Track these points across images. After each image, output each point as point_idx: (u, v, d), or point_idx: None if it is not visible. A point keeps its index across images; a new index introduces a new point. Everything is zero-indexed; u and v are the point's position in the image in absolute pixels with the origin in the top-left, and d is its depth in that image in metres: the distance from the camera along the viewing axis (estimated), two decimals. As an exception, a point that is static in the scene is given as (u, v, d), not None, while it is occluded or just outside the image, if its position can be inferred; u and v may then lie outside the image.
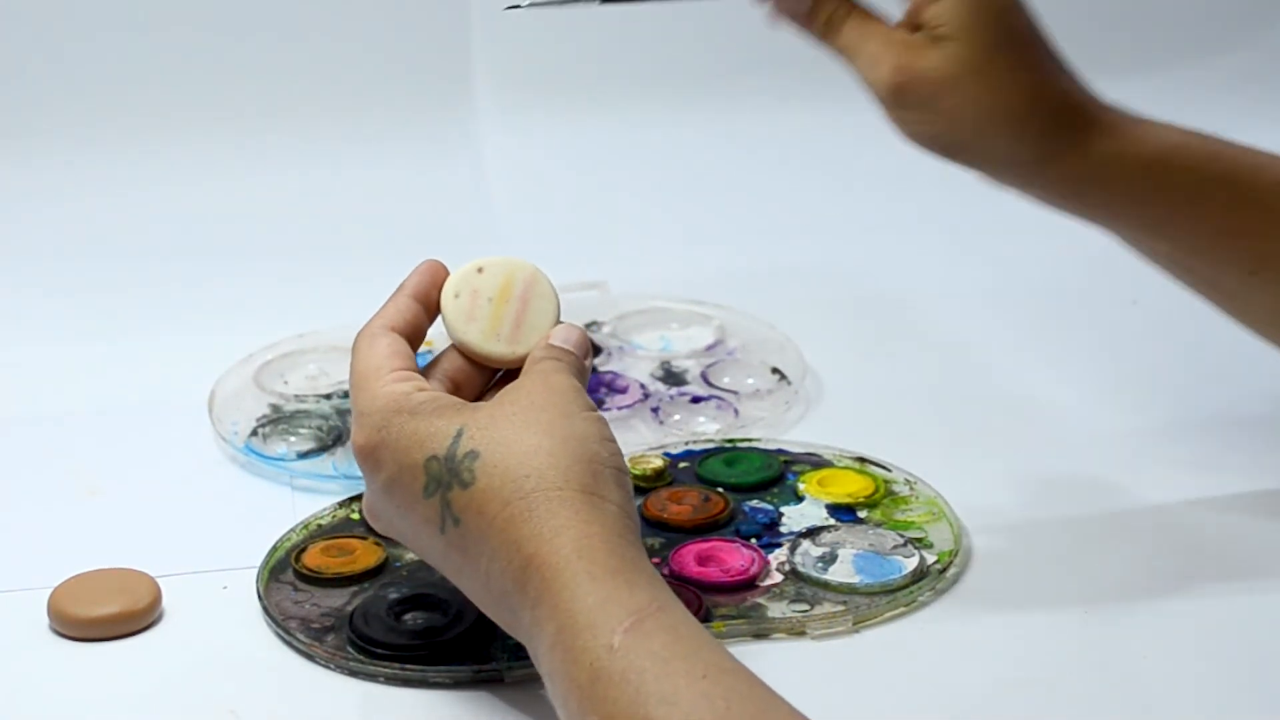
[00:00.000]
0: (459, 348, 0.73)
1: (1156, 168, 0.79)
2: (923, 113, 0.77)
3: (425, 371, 0.72)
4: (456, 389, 0.72)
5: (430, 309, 0.74)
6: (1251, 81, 1.44)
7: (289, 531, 0.82)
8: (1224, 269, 0.82)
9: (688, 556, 0.80)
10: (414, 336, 0.73)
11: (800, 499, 0.85)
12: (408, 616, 0.75)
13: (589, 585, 0.62)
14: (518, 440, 0.66)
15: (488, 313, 0.73)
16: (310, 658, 0.74)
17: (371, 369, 0.71)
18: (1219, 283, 0.83)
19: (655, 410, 0.96)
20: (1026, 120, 0.78)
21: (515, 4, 0.75)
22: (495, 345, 0.73)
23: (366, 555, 0.80)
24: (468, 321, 0.73)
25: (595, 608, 0.62)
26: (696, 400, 0.97)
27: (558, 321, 0.74)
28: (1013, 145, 0.78)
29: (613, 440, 0.68)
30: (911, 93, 0.77)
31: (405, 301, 0.73)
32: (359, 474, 0.87)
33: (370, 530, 0.82)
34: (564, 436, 0.67)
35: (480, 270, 0.74)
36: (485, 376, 0.74)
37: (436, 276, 0.74)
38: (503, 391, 0.70)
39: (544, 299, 0.74)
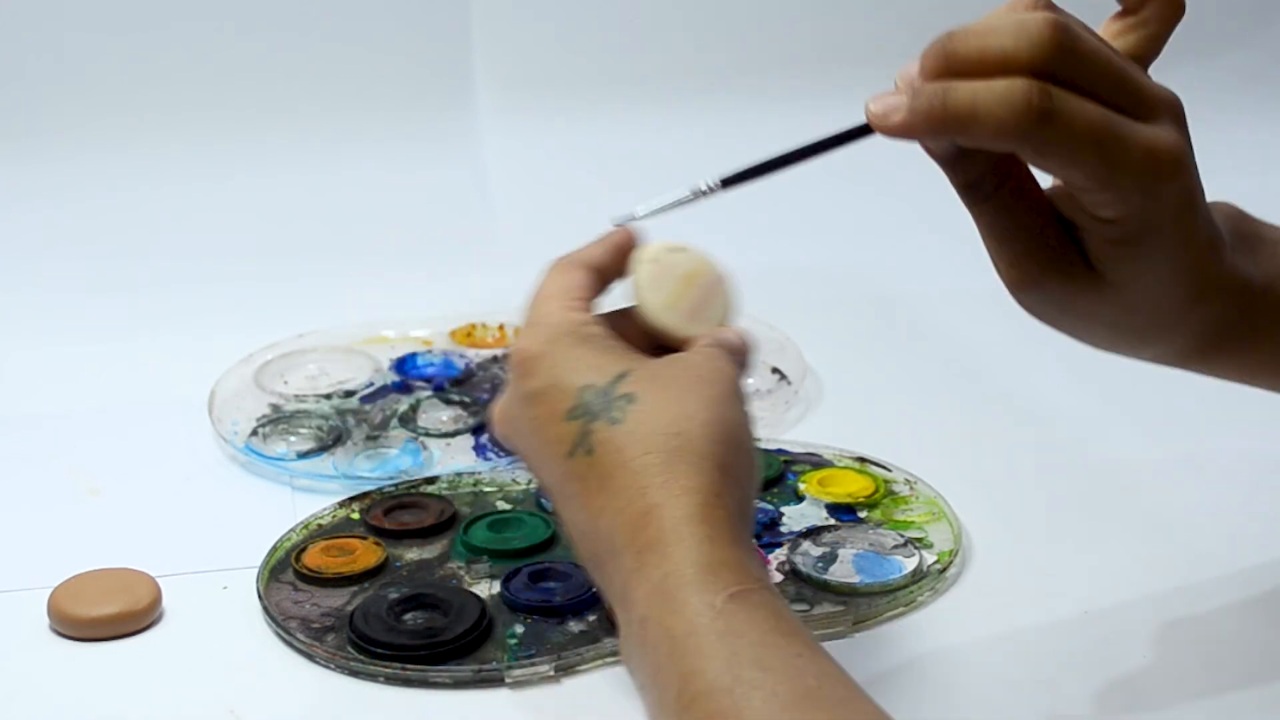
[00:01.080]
0: (639, 307, 0.73)
1: None
2: (1046, 317, 0.70)
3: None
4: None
5: (621, 270, 0.73)
6: (1251, 81, 1.44)
7: (289, 531, 0.82)
8: None
9: (688, 556, 0.79)
10: (600, 285, 0.73)
11: (800, 499, 0.86)
12: (408, 616, 0.75)
13: (706, 546, 0.62)
14: (676, 401, 0.66)
15: (673, 287, 0.73)
16: (310, 658, 0.74)
17: (560, 289, 0.71)
18: None
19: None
20: (1170, 333, 0.69)
21: (632, 215, 0.75)
22: (671, 316, 0.73)
23: (367, 555, 0.80)
24: (654, 288, 0.73)
25: (707, 568, 0.61)
26: (696, 400, 0.97)
27: (730, 319, 0.74)
28: (1152, 352, 0.71)
29: (756, 439, 0.68)
30: (1038, 304, 0.69)
31: (608, 250, 0.73)
32: (359, 474, 0.88)
33: (372, 530, 0.82)
34: (719, 415, 0.66)
35: (678, 250, 0.75)
36: (646, 347, 0.72)
37: (631, 243, 0.74)
38: (672, 356, 0.70)
39: (726, 297, 0.74)
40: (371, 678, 0.72)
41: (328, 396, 0.96)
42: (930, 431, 0.94)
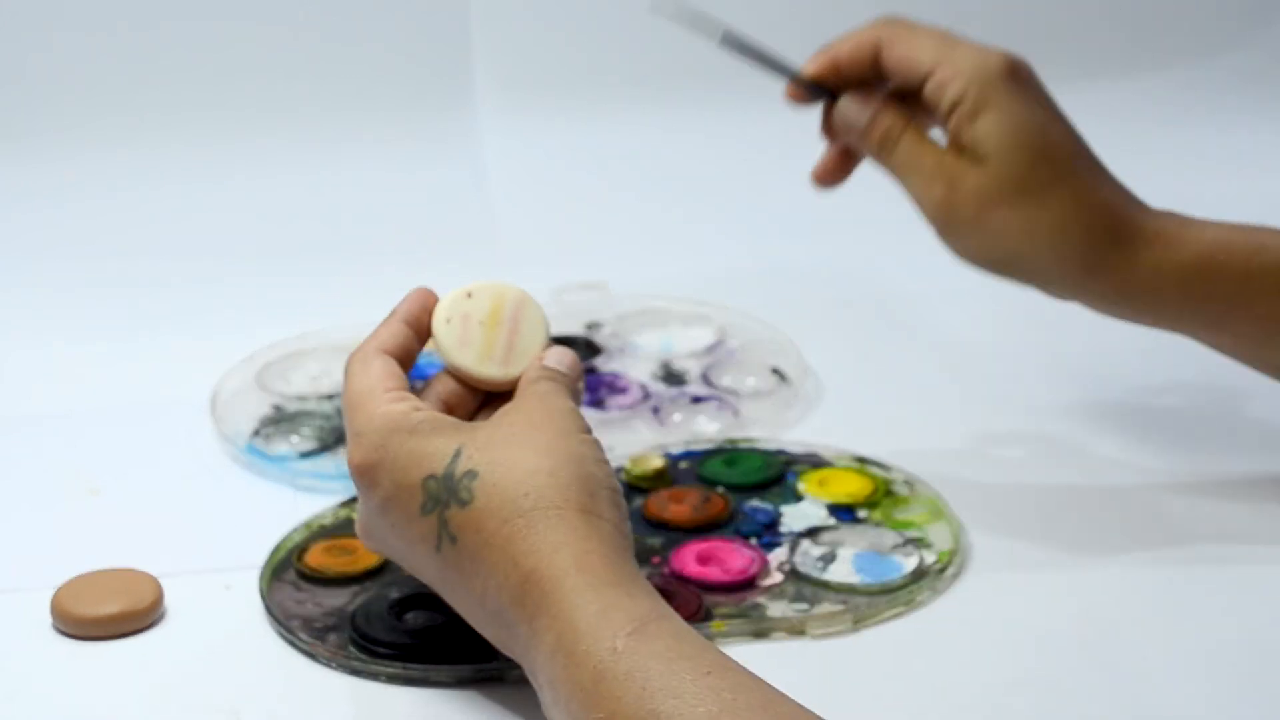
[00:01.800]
0: (452, 371, 0.74)
1: (1204, 270, 0.80)
2: (970, 232, 0.81)
3: (418, 394, 0.73)
4: (450, 411, 0.73)
5: (421, 334, 0.75)
6: (1251, 81, 1.44)
7: (291, 531, 0.82)
8: None
9: (688, 556, 0.80)
10: (405, 360, 0.74)
11: (800, 499, 0.86)
12: (409, 616, 0.75)
13: (590, 595, 0.63)
14: (516, 460, 0.67)
15: (480, 336, 0.74)
16: (312, 657, 0.74)
17: (366, 389, 0.71)
18: None
19: (655, 410, 0.96)
20: (1069, 236, 0.80)
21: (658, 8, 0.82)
22: (489, 368, 0.74)
23: (368, 555, 0.80)
24: (461, 346, 0.74)
25: (597, 615, 0.62)
26: (697, 400, 0.97)
27: (548, 341, 0.75)
28: (1059, 261, 0.80)
29: (607, 462, 0.69)
30: (958, 214, 0.80)
31: (397, 326, 0.74)
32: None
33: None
34: (562, 457, 0.67)
35: (470, 295, 0.75)
36: (477, 399, 0.75)
37: (427, 302, 0.75)
38: (500, 411, 0.71)
39: (534, 321, 0.75)
40: (373, 677, 0.73)
41: (330, 397, 0.97)
42: (930, 431, 0.94)
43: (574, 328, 1.05)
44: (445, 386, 0.74)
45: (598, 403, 0.97)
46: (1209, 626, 0.76)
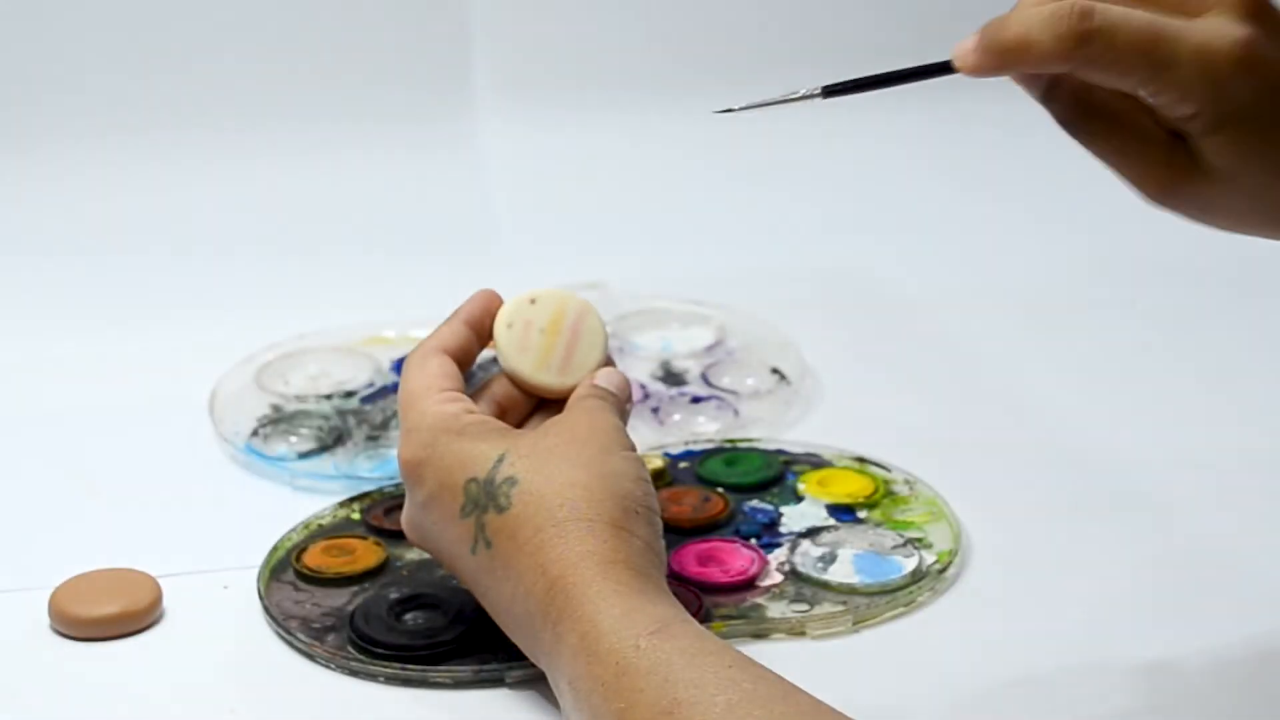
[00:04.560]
0: (509, 375, 0.75)
1: None
2: (1192, 217, 0.69)
3: (474, 396, 0.74)
4: (503, 414, 0.74)
5: (482, 336, 0.76)
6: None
7: (290, 531, 0.82)
8: None
9: (688, 556, 0.80)
10: (464, 361, 0.75)
11: (800, 499, 0.86)
12: (408, 616, 0.75)
13: (613, 599, 0.64)
14: (556, 471, 0.68)
15: (539, 344, 0.75)
16: (311, 657, 0.74)
17: (422, 388, 0.73)
18: None
19: (655, 410, 0.96)
20: None
21: (728, 108, 0.75)
22: (545, 375, 0.75)
23: (367, 555, 0.80)
24: (520, 351, 0.75)
25: (620, 617, 0.63)
26: (696, 400, 0.97)
27: (605, 354, 0.76)
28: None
29: (648, 481, 0.70)
30: (1180, 208, 0.68)
31: (459, 326, 0.75)
32: (359, 474, 0.88)
33: (372, 530, 0.83)
34: (601, 472, 0.68)
35: (533, 302, 0.76)
36: (531, 404, 0.76)
37: (490, 304, 0.76)
38: (548, 423, 0.72)
39: (594, 333, 0.76)
40: (372, 677, 0.73)
41: (328, 397, 0.96)
42: (930, 431, 0.94)
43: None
44: (501, 389, 0.75)
45: (597, 403, 0.96)
46: (1209, 627, 0.76)
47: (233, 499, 0.88)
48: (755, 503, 0.85)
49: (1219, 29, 0.64)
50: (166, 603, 0.77)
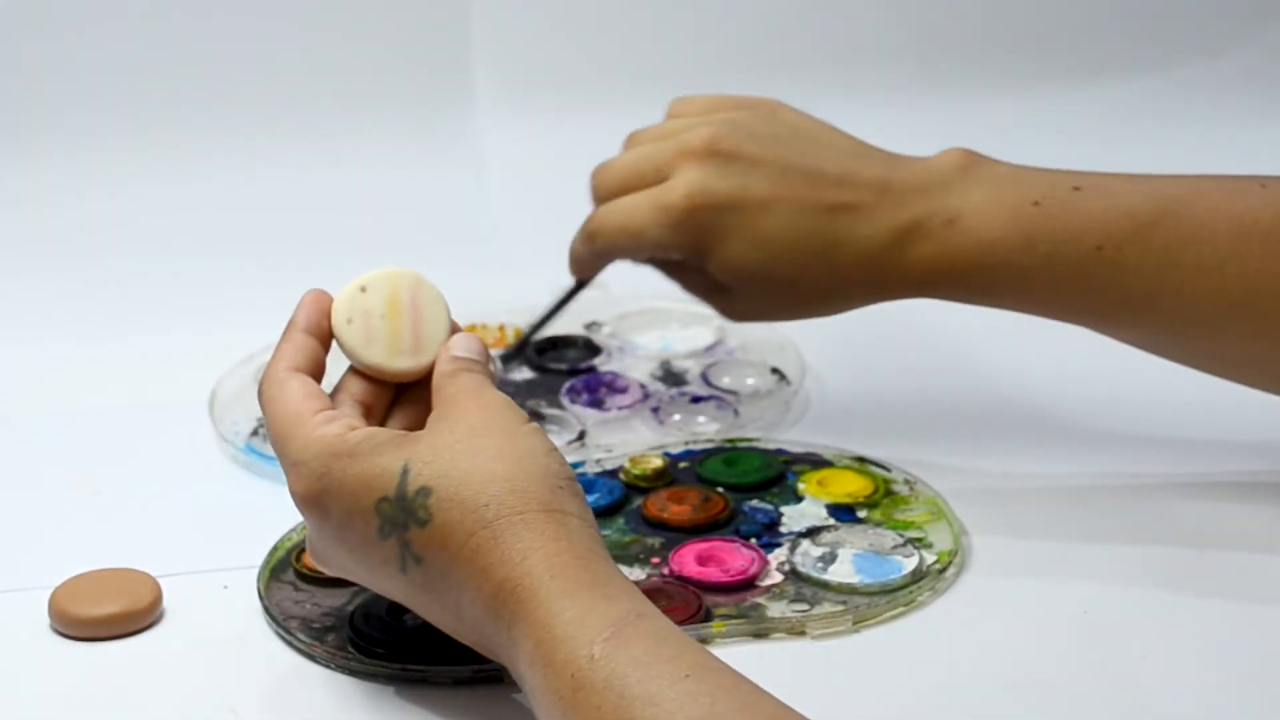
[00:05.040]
0: (363, 369, 0.72)
1: (977, 278, 0.83)
2: (735, 318, 0.90)
3: (330, 399, 0.71)
4: (368, 411, 0.72)
5: (324, 339, 0.73)
6: (1251, 81, 1.44)
7: (289, 531, 0.82)
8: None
9: (688, 556, 0.80)
10: (316, 372, 0.72)
11: (800, 499, 0.86)
12: (407, 616, 0.75)
13: (565, 601, 0.62)
14: (469, 469, 0.65)
15: (384, 330, 0.72)
16: (311, 657, 0.74)
17: (292, 415, 0.69)
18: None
19: (655, 410, 0.96)
20: (846, 293, 0.85)
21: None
22: (400, 360, 0.72)
23: (367, 555, 0.80)
24: (367, 344, 0.72)
25: (573, 621, 0.61)
26: (696, 400, 0.97)
27: (451, 320, 0.73)
28: (848, 304, 0.87)
29: (556, 450, 0.68)
30: (728, 313, 0.89)
31: (300, 338, 0.72)
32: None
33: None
34: (514, 457, 0.66)
35: (364, 289, 0.73)
36: (391, 392, 0.73)
37: (322, 305, 0.73)
38: (434, 417, 0.69)
39: (434, 303, 0.73)
40: (371, 677, 0.73)
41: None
42: (930, 432, 0.94)
43: (573, 328, 1.05)
44: (358, 386, 0.72)
45: (597, 402, 0.96)
46: (1209, 627, 0.76)
47: (233, 499, 0.88)
48: (755, 503, 0.85)
49: (670, 187, 0.84)
50: (166, 603, 0.77)
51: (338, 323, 0.72)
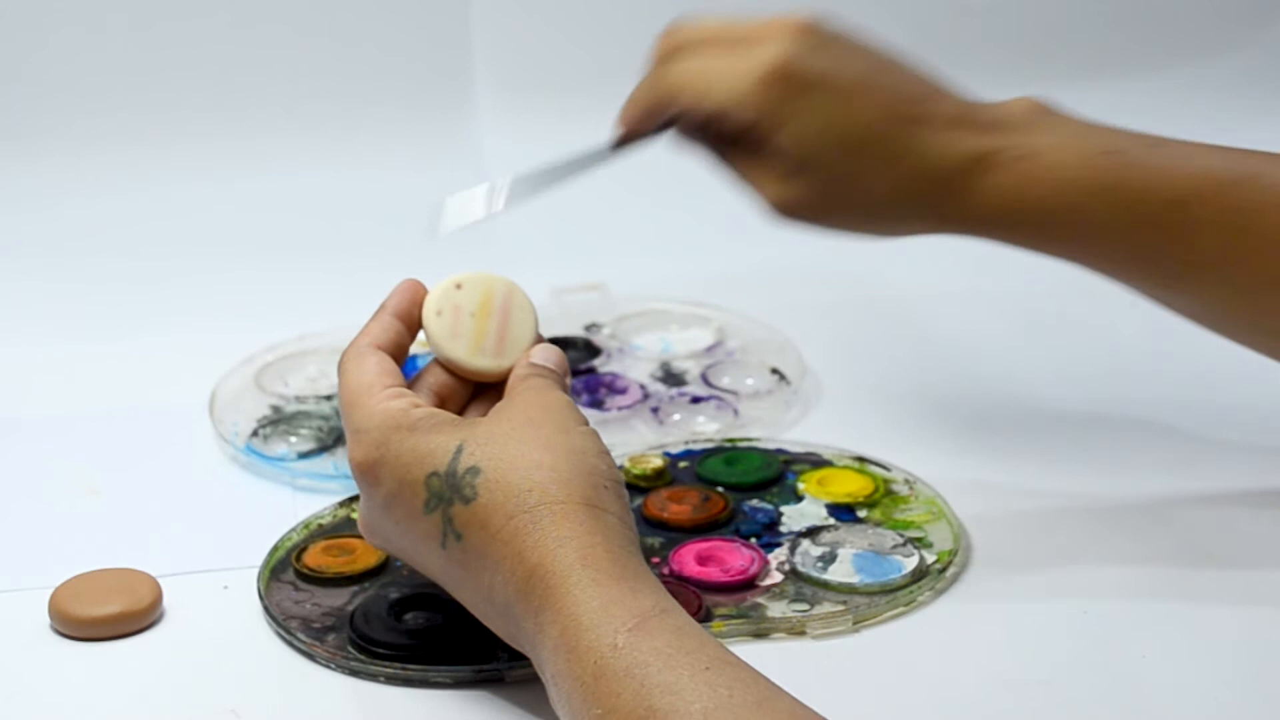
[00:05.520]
0: (444, 363, 0.74)
1: (1044, 219, 0.80)
2: (813, 226, 0.82)
3: (410, 387, 0.73)
4: (442, 403, 0.73)
5: (412, 326, 0.75)
6: (1251, 81, 1.44)
7: (290, 531, 0.82)
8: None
9: (688, 556, 0.80)
10: (398, 354, 0.74)
11: (800, 498, 0.86)
12: (408, 616, 0.75)
13: (593, 590, 0.63)
14: (519, 455, 0.67)
15: (471, 328, 0.74)
16: (311, 657, 0.74)
17: (364, 386, 0.72)
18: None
19: (655, 410, 0.96)
20: (905, 210, 0.81)
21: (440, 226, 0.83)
22: (481, 359, 0.74)
23: (367, 555, 0.80)
24: (452, 337, 0.74)
25: (599, 610, 0.63)
26: (696, 400, 0.97)
27: (538, 332, 0.75)
28: (903, 226, 0.82)
29: (608, 454, 0.70)
30: (795, 220, 0.81)
31: (388, 320, 0.75)
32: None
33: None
34: (564, 451, 0.68)
35: (459, 286, 0.75)
36: (469, 390, 0.75)
37: (416, 294, 0.76)
38: (496, 408, 0.71)
39: (523, 311, 0.75)
40: (372, 677, 0.73)
41: (328, 397, 0.97)
42: (930, 431, 0.94)
43: (573, 328, 1.05)
44: (437, 378, 0.74)
45: (597, 403, 0.96)
46: (1209, 627, 0.76)
47: (233, 499, 0.88)
48: (755, 502, 0.85)
49: (762, 51, 0.78)
50: (167, 603, 0.77)
51: (428, 313, 0.74)
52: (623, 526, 0.67)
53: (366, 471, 0.70)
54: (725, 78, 0.79)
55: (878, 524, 0.83)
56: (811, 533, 0.82)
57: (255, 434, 0.93)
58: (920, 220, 0.81)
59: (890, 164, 0.79)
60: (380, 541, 0.72)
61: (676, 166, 1.33)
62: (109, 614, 0.75)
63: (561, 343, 1.02)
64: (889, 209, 0.81)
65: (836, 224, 0.82)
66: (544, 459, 0.67)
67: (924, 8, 1.40)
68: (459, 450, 0.68)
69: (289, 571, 0.79)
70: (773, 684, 0.61)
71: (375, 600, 0.76)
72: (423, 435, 0.69)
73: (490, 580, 0.66)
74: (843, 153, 0.79)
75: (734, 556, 0.80)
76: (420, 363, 0.76)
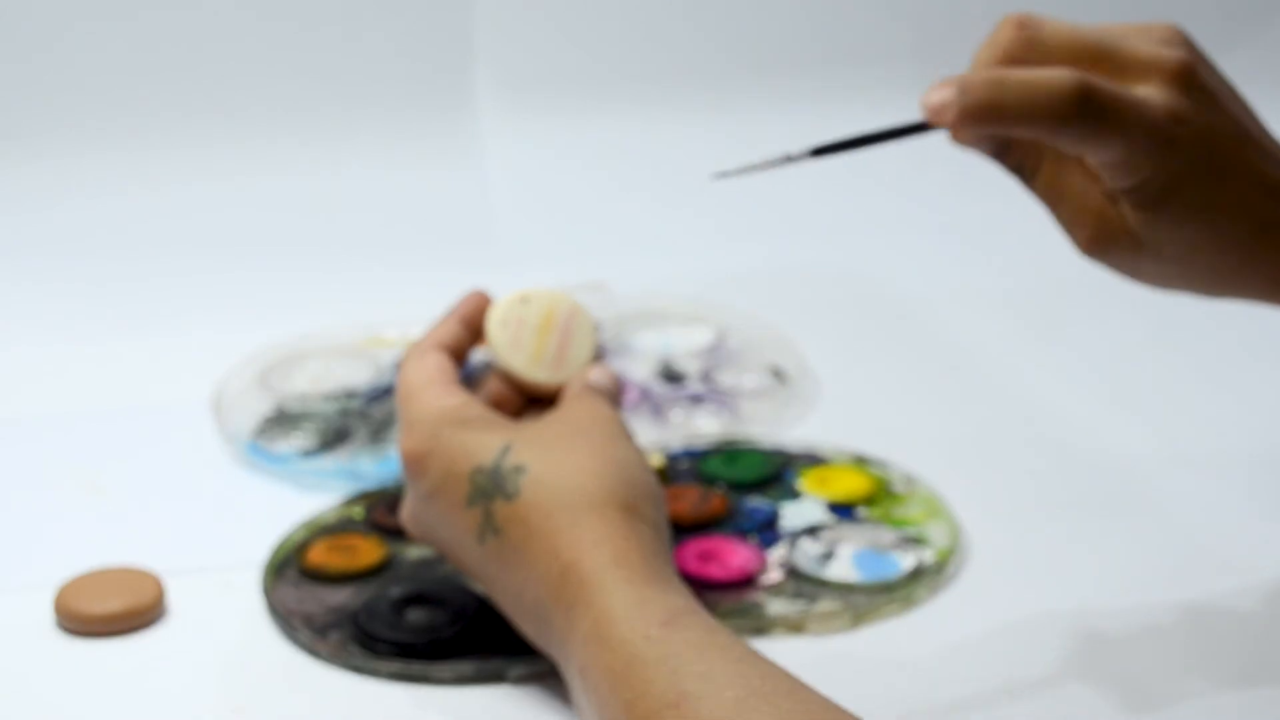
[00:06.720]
0: (503, 372, 0.77)
1: None
2: (1120, 272, 0.70)
3: (468, 390, 0.76)
4: (497, 409, 0.76)
5: (475, 334, 0.78)
6: (1251, 81, 1.44)
7: (293, 530, 0.83)
8: None
9: (688, 554, 0.80)
10: (458, 358, 0.77)
11: (799, 496, 0.86)
12: (411, 613, 0.75)
13: (626, 588, 0.64)
14: (564, 458, 0.69)
15: (532, 341, 0.77)
16: (314, 654, 0.74)
17: (423, 381, 0.74)
18: None
19: (655, 410, 0.96)
20: (1230, 274, 0.69)
21: (725, 172, 0.74)
22: (539, 372, 0.77)
23: (369, 553, 0.80)
24: (514, 349, 0.77)
25: (633, 605, 0.64)
26: (696, 399, 0.97)
27: (595, 352, 0.78)
28: (1223, 288, 0.71)
29: (651, 469, 0.71)
30: (1107, 261, 0.69)
31: (454, 324, 0.77)
32: (361, 472, 0.89)
33: (375, 528, 0.83)
34: (608, 459, 0.70)
35: (525, 300, 0.78)
36: (522, 402, 0.77)
37: (483, 304, 0.78)
38: (548, 415, 0.73)
39: (584, 332, 0.78)
40: (374, 674, 0.73)
41: (331, 397, 0.97)
42: (930, 430, 0.94)
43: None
44: (494, 386, 0.77)
45: (598, 402, 0.97)
46: (1208, 626, 0.76)
47: (236, 497, 0.88)
48: (755, 500, 0.85)
49: (1150, 97, 0.65)
50: (171, 600, 0.78)
51: (492, 323, 0.77)
52: (658, 536, 0.68)
53: (415, 462, 0.72)
54: (1138, 123, 0.64)
55: (877, 522, 0.83)
56: (811, 530, 0.82)
57: (259, 432, 0.93)
58: (1268, 288, 0.70)
59: (1255, 238, 0.68)
60: (421, 532, 0.74)
61: (677, 166, 1.34)
62: (113, 611, 0.76)
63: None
64: (1235, 276, 0.70)
65: (1161, 284, 0.70)
66: (588, 464, 0.69)
67: (924, 8, 1.40)
68: (506, 448, 0.70)
69: (292, 569, 0.80)
70: (800, 681, 0.61)
71: (378, 598, 0.76)
72: (473, 432, 0.71)
73: (524, 577, 0.68)
74: (1204, 222, 0.67)
75: (733, 554, 0.80)
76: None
